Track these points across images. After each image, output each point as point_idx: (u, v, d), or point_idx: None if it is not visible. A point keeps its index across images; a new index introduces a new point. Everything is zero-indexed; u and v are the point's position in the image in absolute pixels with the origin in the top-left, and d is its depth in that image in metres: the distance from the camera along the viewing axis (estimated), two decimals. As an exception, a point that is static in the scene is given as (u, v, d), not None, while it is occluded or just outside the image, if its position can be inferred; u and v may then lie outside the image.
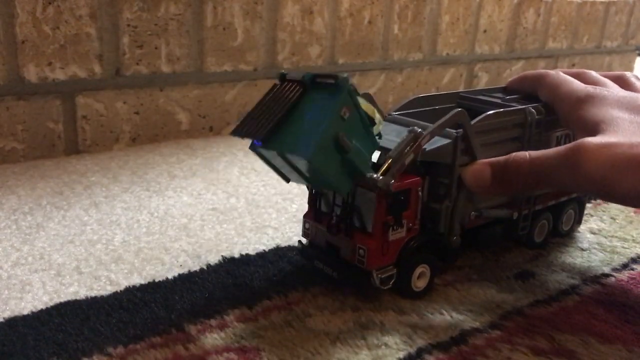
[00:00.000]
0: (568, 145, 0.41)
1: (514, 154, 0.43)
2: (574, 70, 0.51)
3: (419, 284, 0.45)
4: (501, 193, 0.48)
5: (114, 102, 0.78)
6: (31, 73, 0.72)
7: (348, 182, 0.39)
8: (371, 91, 1.02)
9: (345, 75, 0.37)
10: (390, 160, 0.40)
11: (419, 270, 0.44)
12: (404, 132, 0.46)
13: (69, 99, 0.75)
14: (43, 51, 0.72)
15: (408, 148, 0.40)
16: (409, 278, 0.44)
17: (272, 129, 0.37)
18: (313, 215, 0.46)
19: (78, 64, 0.75)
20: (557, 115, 0.49)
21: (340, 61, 0.98)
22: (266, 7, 0.87)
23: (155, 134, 0.82)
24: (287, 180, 0.42)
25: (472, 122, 0.45)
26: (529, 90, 0.53)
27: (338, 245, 0.44)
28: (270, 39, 0.89)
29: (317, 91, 0.38)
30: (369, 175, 0.39)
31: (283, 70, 0.40)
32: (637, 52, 1.54)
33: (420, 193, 0.43)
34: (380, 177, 0.39)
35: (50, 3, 0.71)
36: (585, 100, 0.45)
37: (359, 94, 0.38)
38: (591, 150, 0.39)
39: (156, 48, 0.79)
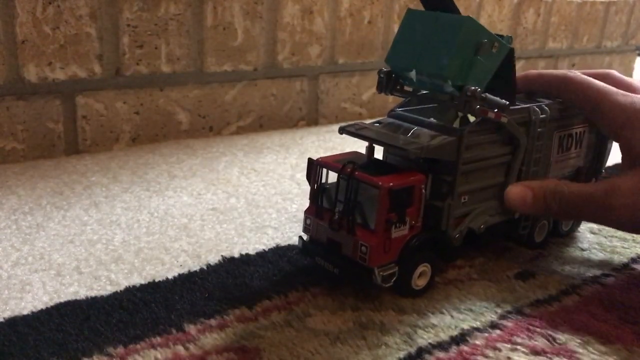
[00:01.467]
0: (602, 186, 0.43)
1: (554, 184, 0.46)
2: (598, 71, 0.51)
3: (419, 282, 0.45)
4: (540, 215, 0.51)
5: (114, 102, 0.78)
6: (31, 73, 0.72)
7: (454, 68, 0.43)
8: (372, 91, 1.02)
9: (510, 37, 0.46)
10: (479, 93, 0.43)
11: (420, 268, 0.44)
12: (408, 128, 0.46)
13: (69, 99, 0.75)
14: (43, 51, 0.72)
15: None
16: (410, 276, 0.44)
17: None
18: (314, 211, 0.46)
19: (78, 64, 0.75)
20: (574, 112, 0.50)
21: (340, 61, 0.98)
22: (266, 7, 0.87)
23: (155, 134, 0.82)
24: (392, 60, 0.47)
25: (473, 122, 0.45)
26: (545, 89, 0.51)
27: (340, 241, 0.44)
28: (270, 39, 0.89)
29: None
30: (467, 87, 0.42)
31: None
32: (637, 52, 1.54)
33: (423, 190, 0.43)
34: (472, 88, 0.42)
35: (50, 3, 0.71)
36: (632, 117, 0.45)
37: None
38: (622, 196, 0.42)
39: (156, 48, 0.79)
